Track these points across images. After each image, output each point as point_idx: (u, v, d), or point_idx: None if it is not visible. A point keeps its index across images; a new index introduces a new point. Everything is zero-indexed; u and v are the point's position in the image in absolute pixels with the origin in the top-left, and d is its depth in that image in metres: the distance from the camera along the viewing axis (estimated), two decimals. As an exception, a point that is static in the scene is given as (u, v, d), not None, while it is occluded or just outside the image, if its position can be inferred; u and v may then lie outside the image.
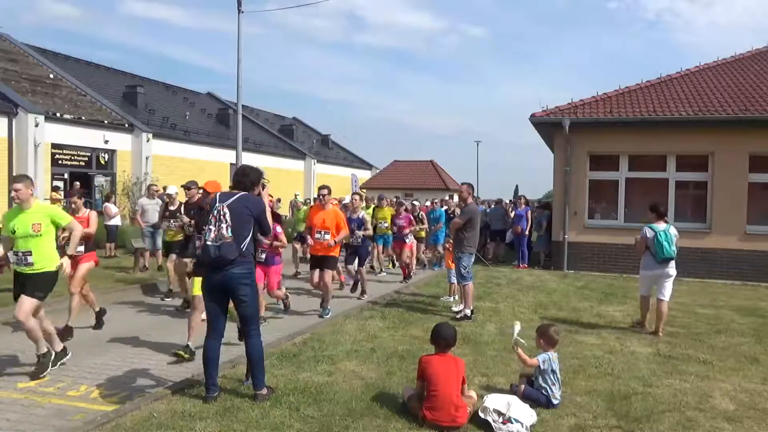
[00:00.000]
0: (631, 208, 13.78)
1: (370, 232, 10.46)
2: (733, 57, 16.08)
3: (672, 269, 7.35)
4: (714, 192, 13.00)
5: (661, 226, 7.34)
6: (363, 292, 9.91)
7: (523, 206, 15.11)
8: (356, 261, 9.87)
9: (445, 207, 15.27)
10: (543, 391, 4.62)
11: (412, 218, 12.47)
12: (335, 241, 8.28)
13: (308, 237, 8.52)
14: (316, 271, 8.37)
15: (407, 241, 12.03)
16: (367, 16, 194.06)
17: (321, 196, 8.53)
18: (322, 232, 8.24)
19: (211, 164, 26.49)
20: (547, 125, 14.42)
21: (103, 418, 4.16)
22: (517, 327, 4.99)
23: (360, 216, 9.80)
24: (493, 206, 17.48)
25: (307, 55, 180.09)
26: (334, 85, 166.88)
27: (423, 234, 13.62)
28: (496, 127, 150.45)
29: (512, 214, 15.30)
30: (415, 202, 13.73)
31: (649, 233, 7.31)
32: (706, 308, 9.19)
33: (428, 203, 17.65)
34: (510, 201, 18.41)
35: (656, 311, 7.37)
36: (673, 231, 7.35)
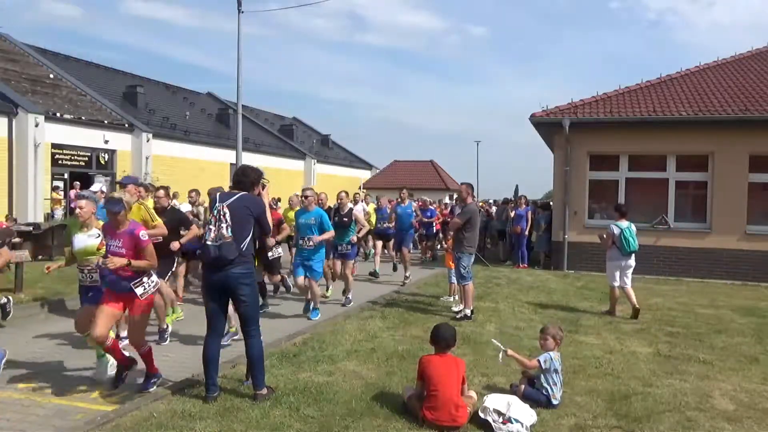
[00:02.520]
0: (631, 208, 13.72)
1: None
2: (733, 57, 16.08)
3: (633, 260, 8.37)
4: (714, 192, 12.99)
5: (624, 223, 8.35)
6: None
7: (524, 206, 15.09)
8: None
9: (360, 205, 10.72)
10: (543, 391, 4.62)
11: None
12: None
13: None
14: None
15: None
16: (369, 15, 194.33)
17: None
18: None
19: (211, 164, 26.50)
20: (547, 125, 14.41)
21: (103, 418, 4.16)
22: (497, 342, 5.03)
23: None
24: (500, 206, 17.71)
25: (308, 55, 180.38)
26: (334, 85, 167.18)
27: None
28: (496, 127, 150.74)
29: (512, 214, 15.26)
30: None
31: (616, 230, 8.29)
32: (706, 308, 9.18)
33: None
34: (508, 201, 18.37)
35: (626, 297, 8.34)
36: (633, 227, 8.36)
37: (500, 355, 4.95)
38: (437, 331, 4.46)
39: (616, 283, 8.32)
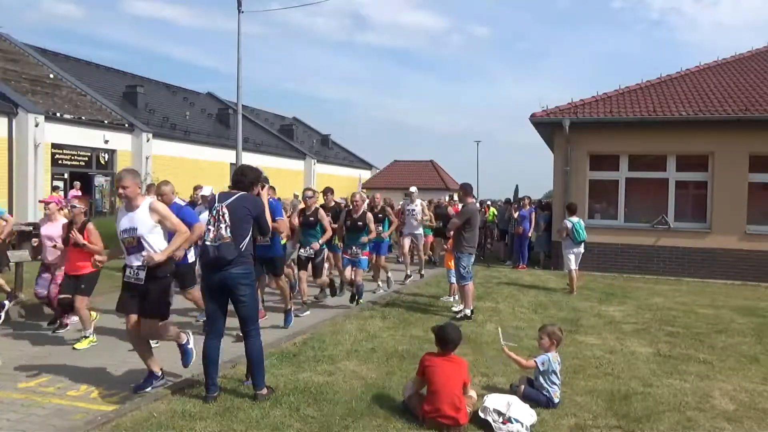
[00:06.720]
0: (632, 208, 13.78)
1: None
2: (733, 57, 16.08)
3: (583, 248, 10.49)
4: (714, 192, 13.00)
5: (574, 219, 10.41)
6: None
7: (528, 207, 15.07)
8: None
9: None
10: (543, 392, 4.62)
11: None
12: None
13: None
14: None
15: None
16: (370, 15, 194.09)
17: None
18: None
19: (211, 164, 26.51)
20: (547, 125, 14.42)
21: (103, 418, 4.16)
22: (501, 333, 5.01)
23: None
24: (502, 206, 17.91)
25: (308, 55, 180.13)
26: (334, 84, 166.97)
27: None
28: (496, 127, 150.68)
29: (516, 215, 15.22)
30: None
31: (569, 224, 10.33)
32: (706, 308, 9.18)
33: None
34: (510, 201, 18.43)
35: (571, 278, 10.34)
36: (581, 222, 10.46)
37: (500, 336, 4.98)
38: (444, 333, 4.36)
39: (573, 267, 10.33)
